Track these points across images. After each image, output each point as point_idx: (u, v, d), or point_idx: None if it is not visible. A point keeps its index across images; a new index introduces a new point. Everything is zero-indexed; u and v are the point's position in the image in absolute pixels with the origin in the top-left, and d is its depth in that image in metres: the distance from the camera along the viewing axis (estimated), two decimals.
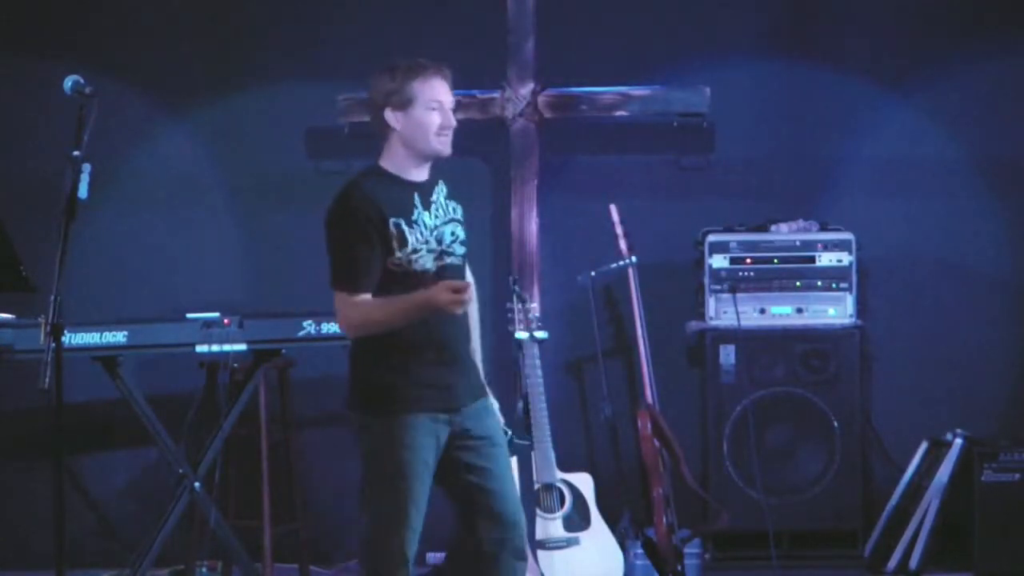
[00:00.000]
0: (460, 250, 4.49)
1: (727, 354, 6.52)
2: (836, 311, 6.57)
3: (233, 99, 6.92)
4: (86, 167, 4.37)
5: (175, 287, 6.80)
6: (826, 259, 6.57)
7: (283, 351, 6.09)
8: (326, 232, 4.41)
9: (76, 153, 4.38)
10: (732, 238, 6.60)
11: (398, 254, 4.34)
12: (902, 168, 6.89)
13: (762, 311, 6.57)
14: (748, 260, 6.58)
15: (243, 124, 6.92)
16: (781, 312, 6.58)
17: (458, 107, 6.52)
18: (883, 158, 6.87)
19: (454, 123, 4.45)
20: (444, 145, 4.44)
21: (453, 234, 4.47)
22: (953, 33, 6.82)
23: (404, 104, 4.39)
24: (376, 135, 4.48)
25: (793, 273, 6.58)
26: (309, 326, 5.99)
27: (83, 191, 4.37)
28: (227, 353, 5.90)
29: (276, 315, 6.12)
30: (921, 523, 6.42)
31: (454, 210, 4.50)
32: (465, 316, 4.50)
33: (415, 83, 4.40)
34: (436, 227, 4.43)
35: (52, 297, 4.34)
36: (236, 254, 6.95)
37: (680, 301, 6.73)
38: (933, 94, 6.88)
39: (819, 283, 6.56)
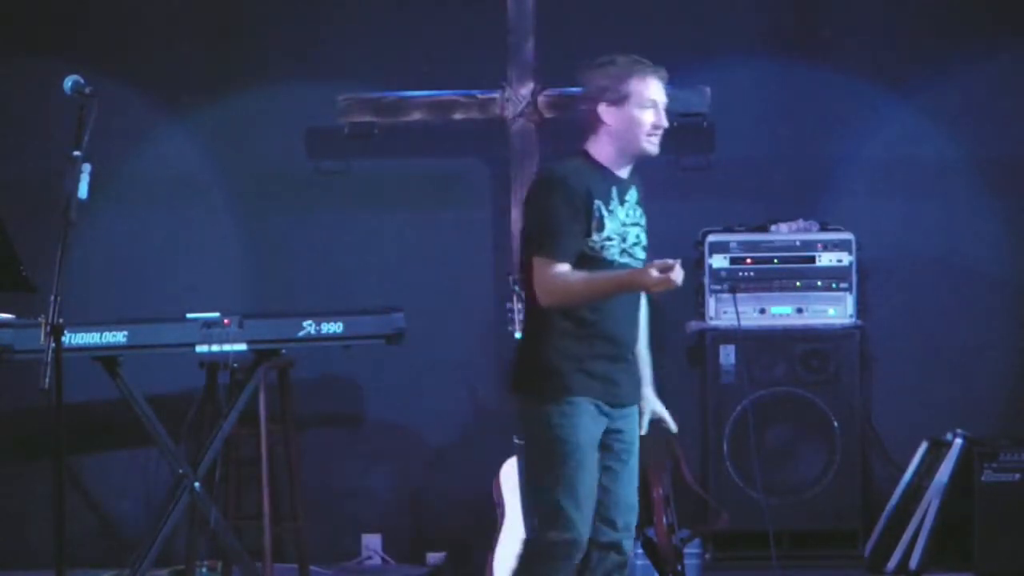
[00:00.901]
0: (640, 254, 4.51)
1: (727, 354, 6.52)
2: (836, 311, 6.56)
3: (233, 99, 6.92)
4: (86, 167, 4.37)
5: (175, 287, 6.79)
6: (826, 259, 6.57)
7: (283, 351, 6.08)
8: (530, 203, 4.47)
9: (76, 153, 4.38)
10: (732, 238, 6.60)
11: (595, 236, 4.38)
12: (902, 168, 6.89)
13: (762, 311, 6.56)
14: (748, 260, 6.58)
15: (243, 124, 6.92)
16: (781, 312, 6.58)
17: (458, 107, 6.67)
18: (883, 158, 6.87)
19: (666, 124, 4.48)
20: (653, 145, 4.47)
21: (637, 237, 4.50)
22: (953, 33, 6.82)
23: (619, 100, 4.42)
24: (584, 127, 4.50)
25: (793, 273, 6.58)
26: (309, 326, 5.99)
27: (83, 191, 4.37)
28: (227, 353, 5.89)
29: (276, 315, 6.12)
30: (921, 523, 6.42)
31: (641, 216, 4.54)
32: (639, 317, 4.56)
33: (632, 80, 4.43)
34: (624, 225, 4.47)
35: (52, 297, 4.34)
36: (236, 254, 6.95)
37: (680, 301, 6.72)
38: (933, 94, 6.87)
39: (819, 283, 6.56)
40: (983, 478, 6.36)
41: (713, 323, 6.57)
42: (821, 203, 6.81)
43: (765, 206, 6.78)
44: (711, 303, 6.56)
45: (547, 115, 6.63)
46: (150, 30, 6.87)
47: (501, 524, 5.86)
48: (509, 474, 5.89)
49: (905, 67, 6.85)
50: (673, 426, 4.73)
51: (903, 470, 6.60)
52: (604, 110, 4.43)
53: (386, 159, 6.89)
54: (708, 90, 6.58)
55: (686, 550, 6.09)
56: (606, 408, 4.43)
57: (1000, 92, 6.84)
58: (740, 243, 6.59)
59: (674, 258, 4.25)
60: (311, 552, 6.46)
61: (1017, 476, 6.38)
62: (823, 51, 6.87)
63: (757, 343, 6.50)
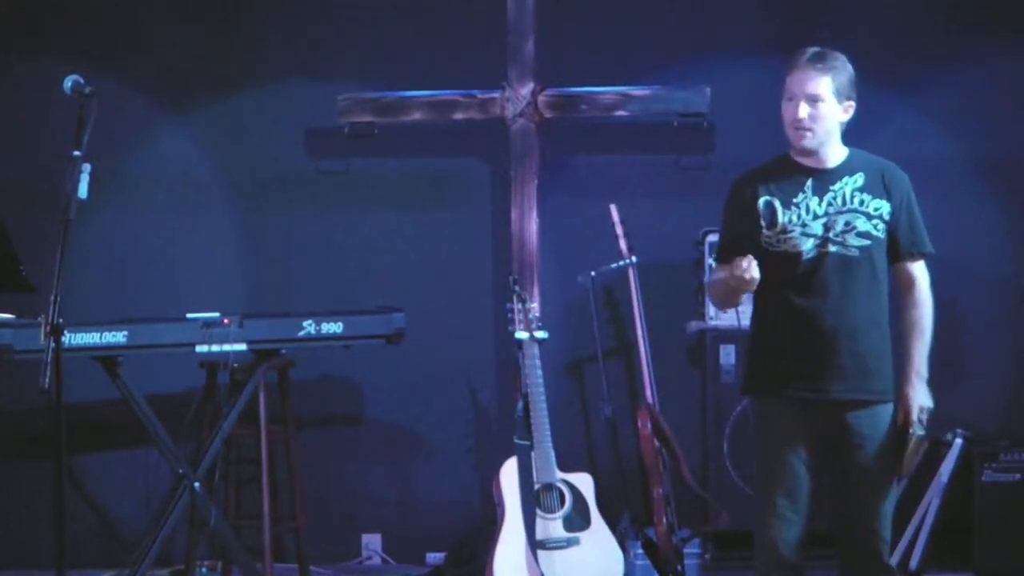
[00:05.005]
0: (854, 240, 4.48)
1: (727, 354, 6.52)
2: None
3: (233, 99, 6.93)
4: (86, 167, 4.37)
5: (175, 287, 6.80)
6: None
7: (283, 351, 6.08)
8: None
9: (76, 153, 4.38)
10: None
11: (766, 233, 4.42)
12: (902, 168, 6.86)
13: None
14: None
15: (243, 124, 6.92)
16: None
17: (458, 107, 6.68)
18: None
19: (799, 116, 4.44)
20: (795, 138, 4.48)
21: (847, 224, 4.47)
22: (953, 33, 6.82)
23: (783, 95, 4.49)
24: None
25: None
26: (309, 326, 5.99)
27: (83, 191, 4.37)
28: (227, 353, 5.89)
29: (276, 315, 6.12)
30: (921, 523, 6.41)
31: (861, 203, 4.51)
32: (855, 309, 4.50)
33: (787, 74, 4.47)
34: (826, 214, 4.45)
35: (52, 297, 4.33)
36: (236, 254, 6.95)
37: (680, 301, 6.73)
38: (933, 94, 6.88)
39: None
40: (983, 478, 6.36)
41: (713, 323, 6.57)
42: None
43: None
44: (711, 303, 6.56)
45: (547, 115, 6.64)
46: (150, 30, 6.87)
47: (501, 524, 5.86)
48: (509, 474, 5.90)
49: (905, 67, 6.85)
50: (920, 430, 4.53)
51: None
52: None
53: (386, 159, 6.90)
54: (708, 90, 6.59)
55: (686, 550, 6.11)
56: (817, 406, 4.44)
57: (1000, 92, 6.85)
58: None
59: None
60: (311, 552, 6.46)
61: (1017, 476, 6.38)
62: None
63: None
